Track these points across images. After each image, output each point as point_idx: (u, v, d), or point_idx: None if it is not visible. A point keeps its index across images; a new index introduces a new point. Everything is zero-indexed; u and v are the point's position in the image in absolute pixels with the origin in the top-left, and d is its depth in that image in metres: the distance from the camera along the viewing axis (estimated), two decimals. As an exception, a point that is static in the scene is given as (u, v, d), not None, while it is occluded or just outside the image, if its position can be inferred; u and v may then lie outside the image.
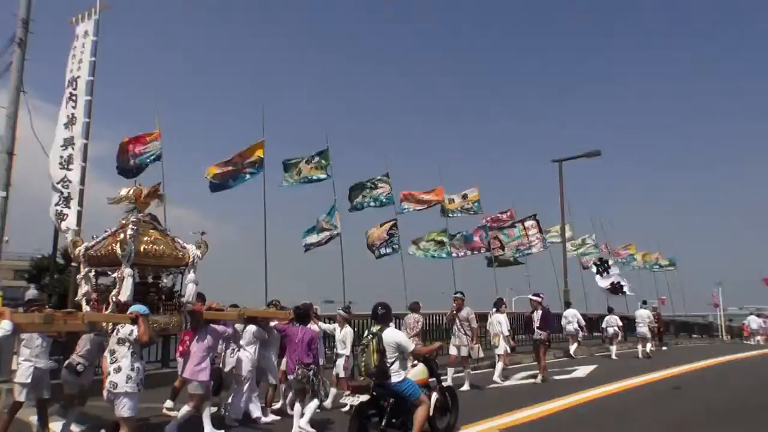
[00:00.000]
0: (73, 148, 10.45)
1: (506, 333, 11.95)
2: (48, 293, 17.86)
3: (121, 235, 6.72)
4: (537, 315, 12.24)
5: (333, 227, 17.46)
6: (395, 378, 5.88)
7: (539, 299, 12.48)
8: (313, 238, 17.52)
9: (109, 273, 7.07)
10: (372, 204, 19.22)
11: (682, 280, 42.55)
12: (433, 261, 20.74)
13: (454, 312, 10.87)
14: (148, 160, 14.62)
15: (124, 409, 5.55)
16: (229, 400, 8.01)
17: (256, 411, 7.87)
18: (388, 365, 5.88)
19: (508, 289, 35.35)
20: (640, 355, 17.58)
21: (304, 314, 7.97)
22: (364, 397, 5.80)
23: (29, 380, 6.57)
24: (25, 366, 6.60)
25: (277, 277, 18.41)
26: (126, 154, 14.56)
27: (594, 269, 24.77)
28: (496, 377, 11.62)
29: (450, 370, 10.73)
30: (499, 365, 11.85)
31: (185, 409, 6.87)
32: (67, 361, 6.95)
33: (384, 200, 19.27)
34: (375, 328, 6.07)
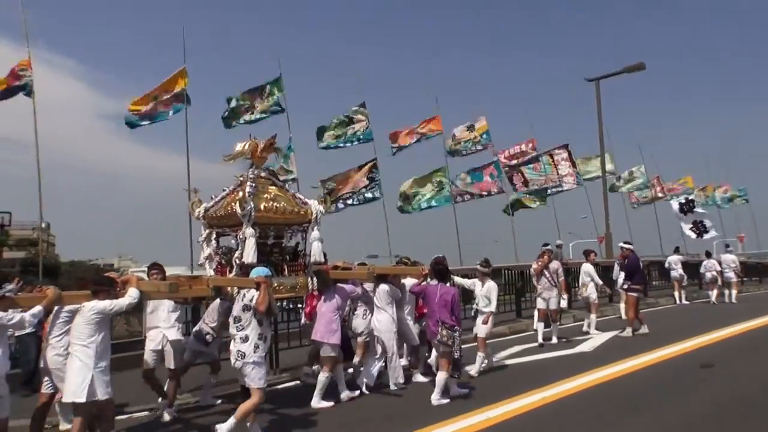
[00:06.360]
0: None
1: (599, 282, 12.43)
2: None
3: (240, 193, 6.47)
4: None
5: (288, 172, 15.03)
6: None
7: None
8: None
9: (229, 233, 6.89)
10: (348, 144, 16.35)
11: (756, 215, 37.51)
12: (429, 211, 17.42)
13: (543, 265, 10.77)
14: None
15: (254, 379, 5.40)
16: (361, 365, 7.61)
17: (394, 377, 7.44)
18: None
19: (568, 233, 32.03)
20: (714, 301, 17.63)
21: (443, 270, 7.21)
22: None
23: (159, 347, 6.47)
24: (152, 334, 6.54)
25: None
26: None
27: (676, 207, 23.23)
28: (592, 329, 11.80)
29: (540, 325, 10.60)
30: (592, 317, 12.08)
31: (323, 376, 6.77)
32: (195, 328, 6.99)
33: (362, 137, 16.27)
34: None
